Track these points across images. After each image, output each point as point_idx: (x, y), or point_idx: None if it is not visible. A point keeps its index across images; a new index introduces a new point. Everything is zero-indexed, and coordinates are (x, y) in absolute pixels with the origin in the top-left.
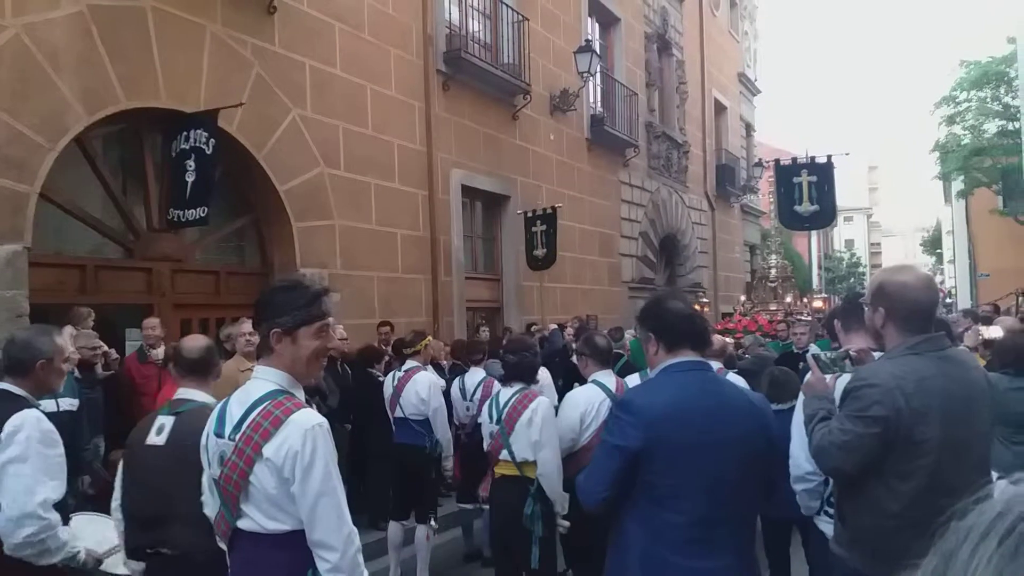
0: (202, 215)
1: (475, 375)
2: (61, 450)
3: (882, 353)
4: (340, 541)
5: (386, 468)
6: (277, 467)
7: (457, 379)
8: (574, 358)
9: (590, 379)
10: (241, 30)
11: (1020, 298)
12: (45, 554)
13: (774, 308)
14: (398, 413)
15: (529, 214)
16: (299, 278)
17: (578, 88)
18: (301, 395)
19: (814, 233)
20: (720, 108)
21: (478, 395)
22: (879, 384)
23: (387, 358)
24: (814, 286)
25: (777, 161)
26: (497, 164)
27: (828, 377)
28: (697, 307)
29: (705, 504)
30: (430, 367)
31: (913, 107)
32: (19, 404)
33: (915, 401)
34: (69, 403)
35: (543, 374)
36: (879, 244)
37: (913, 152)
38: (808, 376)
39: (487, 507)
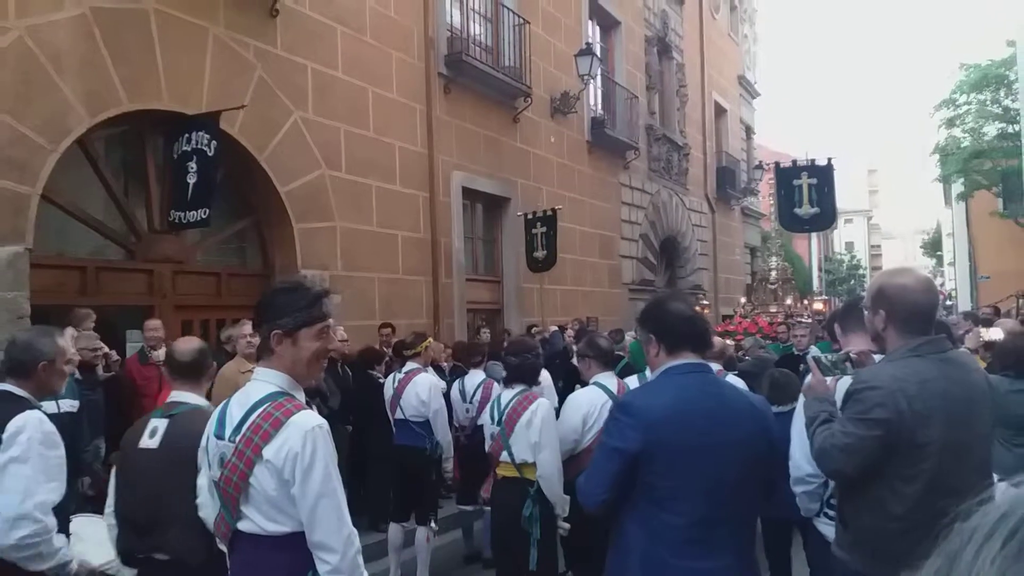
0: (203, 217)
1: (475, 377)
2: (62, 452)
3: (882, 355)
4: (340, 543)
5: (386, 470)
6: (277, 469)
7: (457, 381)
8: (574, 360)
9: (592, 381)
10: (243, 32)
11: (1020, 300)
12: (36, 559)
13: (774, 310)
14: (398, 415)
15: (529, 216)
16: (300, 280)
17: (579, 91)
18: (301, 397)
19: (814, 235)
20: (720, 111)
21: (478, 397)
22: (881, 386)
23: (386, 359)
24: (814, 288)
25: (777, 164)
26: (498, 166)
27: (829, 379)
28: (698, 308)
29: (705, 505)
30: (430, 369)
31: (913, 110)
32: (22, 405)
33: (917, 404)
34: (69, 404)
35: (544, 376)
36: (879, 246)
37: (913, 155)
38: (809, 378)
39: (488, 508)
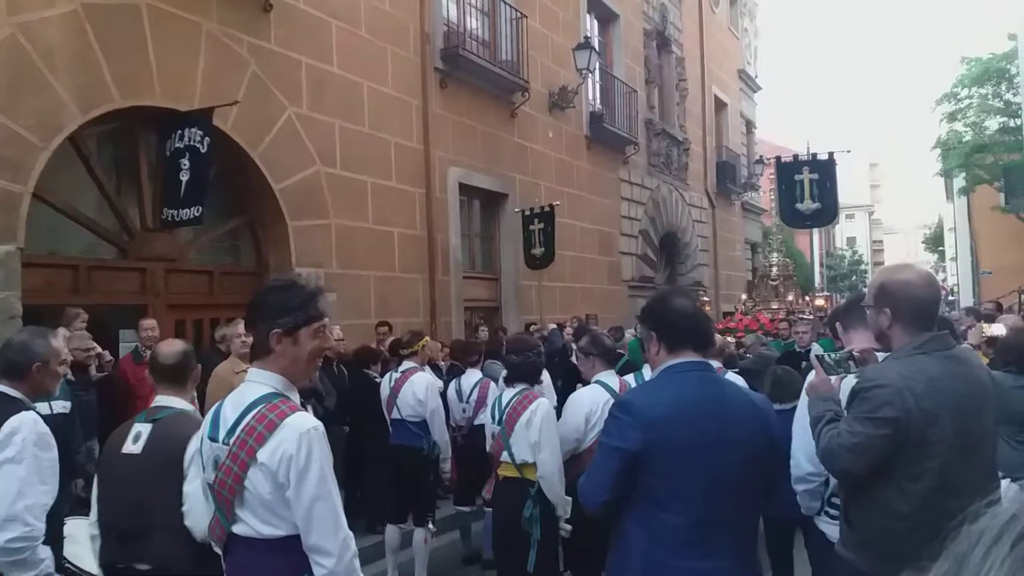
0: (196, 214)
1: (471, 376)
2: (55, 454)
3: (885, 353)
4: (336, 546)
5: (383, 470)
6: (272, 471)
7: (453, 381)
8: (574, 358)
9: (593, 379)
10: (237, 28)
11: (1023, 296)
12: (20, 566)
13: (776, 307)
14: (395, 415)
15: (527, 212)
16: (293, 278)
17: (577, 85)
18: (296, 398)
19: (816, 231)
20: (720, 105)
21: (474, 397)
22: (888, 385)
23: (382, 358)
24: (816, 284)
25: (778, 158)
26: (495, 162)
27: (832, 378)
28: (700, 305)
29: (705, 506)
30: (427, 368)
31: (914, 104)
32: (16, 406)
33: (925, 402)
34: (62, 406)
35: (543, 375)
36: (881, 242)
37: (914, 149)
38: (812, 377)
39: (488, 509)
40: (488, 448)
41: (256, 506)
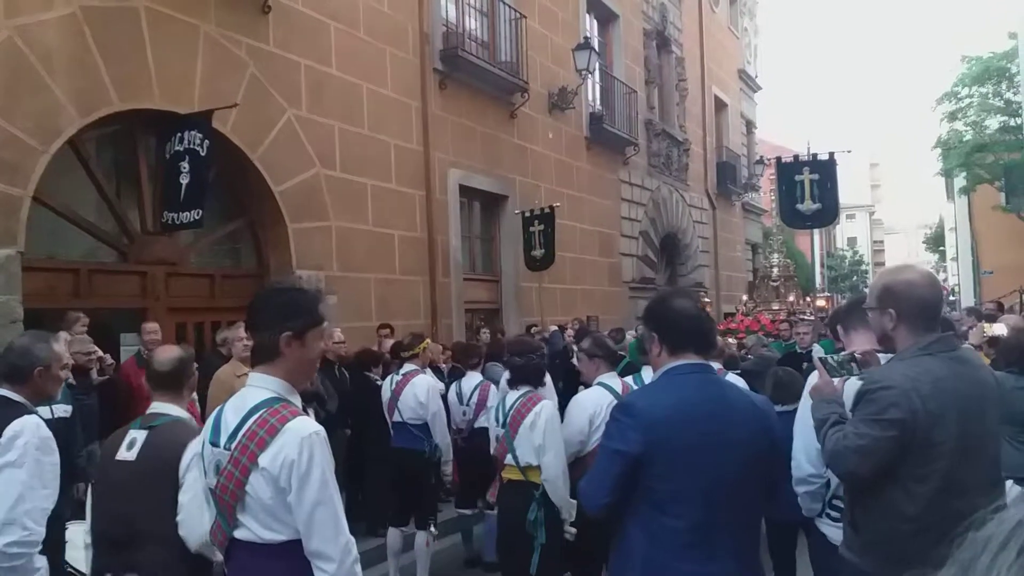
0: (196, 217)
1: (472, 379)
2: (57, 458)
3: (887, 355)
4: (337, 551)
5: (384, 473)
6: (273, 476)
7: (454, 384)
8: (575, 360)
9: (595, 381)
10: (235, 30)
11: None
12: (13, 572)
13: (777, 307)
14: (396, 417)
15: (527, 214)
16: (294, 281)
17: (577, 86)
18: (298, 402)
19: (816, 231)
20: (720, 105)
21: (474, 399)
22: (894, 386)
23: (383, 360)
24: (817, 285)
25: (779, 159)
26: (495, 163)
27: (836, 380)
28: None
29: (706, 508)
30: (429, 370)
31: (914, 103)
32: (19, 410)
33: (931, 403)
34: (63, 409)
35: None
36: (882, 242)
37: (915, 148)
38: (813, 379)
39: (489, 512)
40: (492, 451)
41: (257, 511)
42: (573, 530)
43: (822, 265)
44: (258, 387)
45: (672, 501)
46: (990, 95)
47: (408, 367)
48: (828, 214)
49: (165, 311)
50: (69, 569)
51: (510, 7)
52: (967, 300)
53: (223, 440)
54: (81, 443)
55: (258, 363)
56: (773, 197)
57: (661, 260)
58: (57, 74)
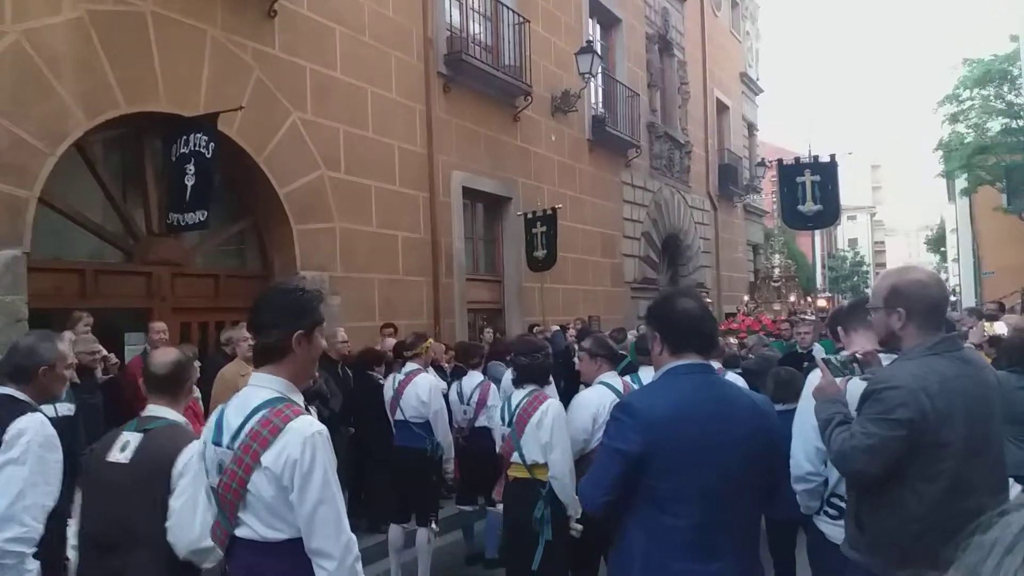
0: (202, 219)
1: (473, 378)
2: (60, 456)
3: (887, 355)
4: (338, 549)
5: (386, 471)
6: (276, 475)
7: (455, 383)
8: (576, 359)
9: (596, 381)
10: (241, 34)
11: None
12: (3, 571)
13: (778, 308)
14: (398, 416)
15: (529, 215)
16: (297, 280)
17: (579, 89)
18: (300, 400)
19: (817, 232)
20: (722, 108)
21: (475, 399)
22: (902, 386)
23: (386, 359)
24: (818, 285)
25: (780, 161)
26: (498, 166)
27: (838, 380)
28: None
29: (705, 508)
30: (431, 369)
31: (916, 105)
32: (23, 408)
33: (939, 402)
34: (67, 408)
35: None
36: (883, 243)
37: (916, 150)
38: (814, 379)
39: (491, 509)
40: (498, 450)
41: (259, 509)
42: (580, 527)
43: (823, 266)
44: (260, 387)
45: (672, 500)
46: (992, 97)
47: (411, 366)
48: (829, 215)
49: (170, 311)
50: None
51: (514, 12)
52: (968, 301)
53: (226, 439)
54: (84, 442)
55: (263, 363)
56: (774, 199)
57: (663, 261)
58: (64, 77)
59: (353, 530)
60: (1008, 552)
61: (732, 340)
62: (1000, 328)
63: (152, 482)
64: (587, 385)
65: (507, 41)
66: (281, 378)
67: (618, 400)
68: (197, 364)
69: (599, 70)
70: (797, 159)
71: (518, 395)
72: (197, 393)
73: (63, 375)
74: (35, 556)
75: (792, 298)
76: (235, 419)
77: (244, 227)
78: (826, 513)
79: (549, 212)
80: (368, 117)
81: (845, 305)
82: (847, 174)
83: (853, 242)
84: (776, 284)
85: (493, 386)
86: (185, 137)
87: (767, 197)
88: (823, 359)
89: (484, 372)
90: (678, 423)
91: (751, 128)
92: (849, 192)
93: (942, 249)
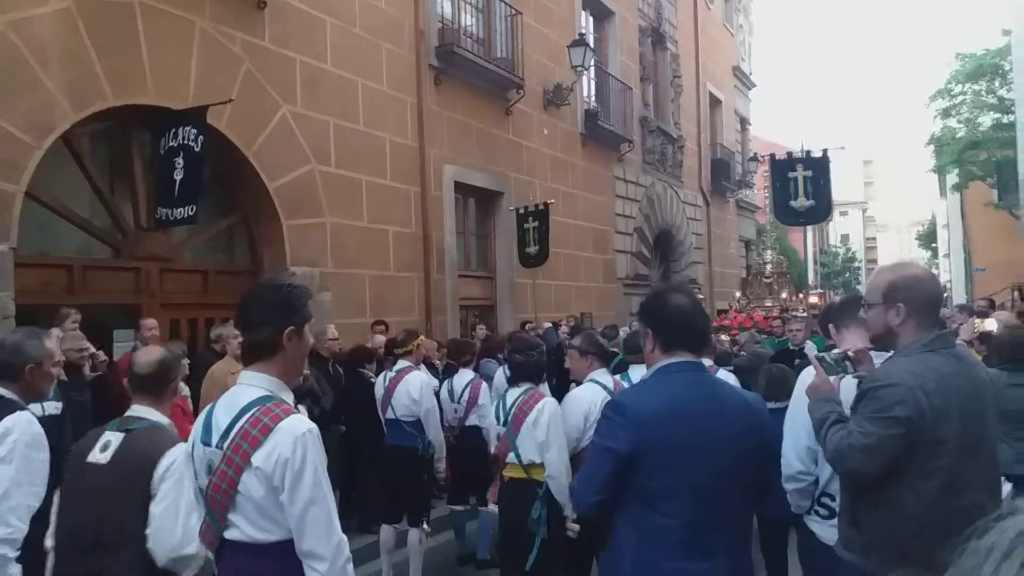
0: (191, 213)
1: (463, 377)
2: (47, 455)
3: (878, 352)
4: (329, 550)
5: (377, 470)
6: (267, 475)
7: (445, 381)
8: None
9: (587, 379)
10: (230, 25)
11: (1016, 292)
12: None
13: (770, 304)
14: (389, 414)
15: (521, 211)
16: (285, 277)
17: (572, 82)
18: (290, 399)
19: (809, 228)
20: (715, 102)
21: (465, 397)
22: (900, 383)
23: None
24: (810, 281)
25: (772, 156)
26: (490, 160)
27: (832, 378)
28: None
29: (697, 506)
30: (423, 367)
31: (908, 100)
32: (11, 406)
33: (936, 399)
34: (54, 407)
35: None
36: (874, 238)
37: (908, 145)
38: (806, 377)
39: (482, 509)
40: (493, 450)
41: (249, 511)
42: (576, 527)
43: (815, 262)
44: (250, 385)
45: (663, 499)
46: (983, 92)
47: (402, 364)
48: (821, 211)
49: (159, 307)
50: None
51: (506, 3)
52: (959, 297)
53: (215, 439)
54: (71, 440)
55: (253, 361)
56: (767, 194)
57: (655, 256)
58: (51, 69)
59: (344, 530)
60: (1006, 557)
61: (724, 337)
62: (991, 325)
63: (132, 484)
64: (578, 383)
65: (499, 33)
66: (271, 376)
67: (609, 398)
68: (186, 362)
69: (592, 63)
70: (789, 154)
71: (513, 394)
72: (186, 391)
73: (50, 373)
74: (17, 559)
75: (784, 294)
76: (224, 418)
77: (233, 222)
78: (817, 513)
79: (541, 207)
80: (359, 110)
81: (836, 302)
82: (839, 169)
83: (845, 238)
84: (768, 280)
85: (484, 384)
86: (174, 130)
87: (759, 192)
88: (817, 357)
89: (476, 370)
90: (669, 421)
91: (744, 123)
92: (841, 187)
93: (933, 245)
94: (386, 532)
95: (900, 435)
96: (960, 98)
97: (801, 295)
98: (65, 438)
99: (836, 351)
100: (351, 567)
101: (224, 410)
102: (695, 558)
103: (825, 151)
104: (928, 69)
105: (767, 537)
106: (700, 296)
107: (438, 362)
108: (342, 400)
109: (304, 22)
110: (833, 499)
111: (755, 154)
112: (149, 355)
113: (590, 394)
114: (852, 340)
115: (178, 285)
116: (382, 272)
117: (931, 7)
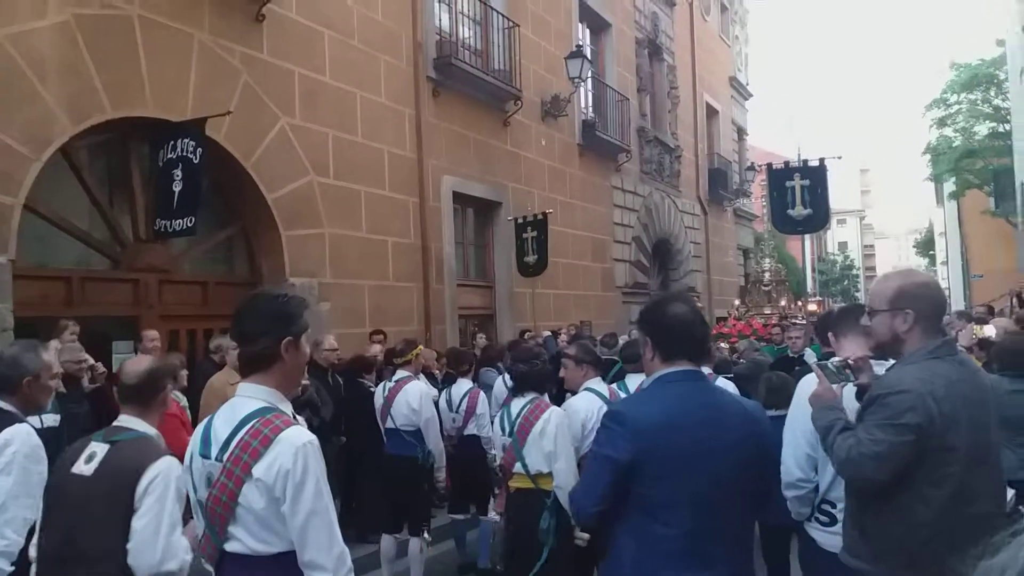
0: (189, 225)
1: (461, 386)
2: (45, 468)
3: (879, 360)
4: (331, 561)
5: (377, 479)
6: (268, 486)
7: (444, 391)
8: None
9: (583, 387)
10: (229, 38)
11: (1014, 299)
12: None
13: (768, 312)
14: (389, 424)
15: (520, 220)
16: (280, 288)
17: (569, 94)
18: (289, 410)
19: (807, 236)
20: (712, 112)
21: (463, 407)
22: (910, 390)
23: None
24: (808, 289)
25: (770, 165)
26: (488, 170)
27: (834, 386)
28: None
29: (697, 515)
30: (422, 376)
31: (904, 110)
32: (9, 419)
33: (945, 406)
34: (52, 419)
35: None
36: (872, 246)
37: (905, 154)
38: (806, 385)
39: (483, 518)
40: (498, 460)
41: (250, 522)
42: (586, 536)
43: (813, 269)
44: (248, 397)
45: (663, 508)
46: (979, 101)
47: (401, 373)
48: (819, 219)
49: (158, 319)
50: None
51: (503, 16)
52: (957, 304)
53: (214, 452)
54: None
55: (250, 372)
56: (764, 203)
57: (654, 265)
58: (49, 82)
59: (344, 540)
60: None
61: (723, 345)
62: (989, 331)
63: (115, 497)
64: (573, 392)
65: (496, 45)
66: (269, 387)
67: (606, 406)
68: (184, 373)
69: (589, 75)
70: (786, 163)
71: (518, 403)
72: (184, 402)
73: (48, 386)
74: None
75: (783, 302)
76: (223, 431)
77: (232, 233)
78: (817, 520)
79: (540, 217)
80: (357, 122)
81: (835, 310)
82: (836, 178)
83: (843, 246)
84: (767, 288)
85: (482, 394)
86: (172, 142)
87: (757, 201)
88: (819, 364)
89: (475, 379)
90: (668, 430)
91: (741, 132)
92: (838, 196)
93: (931, 252)
94: (387, 542)
95: (910, 442)
96: (956, 107)
97: (800, 302)
98: (63, 450)
99: (836, 359)
100: None
101: (223, 422)
102: (695, 567)
103: (822, 160)
104: (924, 79)
105: (769, 544)
106: (699, 305)
107: (437, 371)
108: (342, 410)
109: (302, 35)
110: (833, 506)
111: (752, 163)
112: (137, 365)
113: (587, 403)
114: (851, 348)
115: (177, 296)
116: (381, 282)
117: (926, 17)
